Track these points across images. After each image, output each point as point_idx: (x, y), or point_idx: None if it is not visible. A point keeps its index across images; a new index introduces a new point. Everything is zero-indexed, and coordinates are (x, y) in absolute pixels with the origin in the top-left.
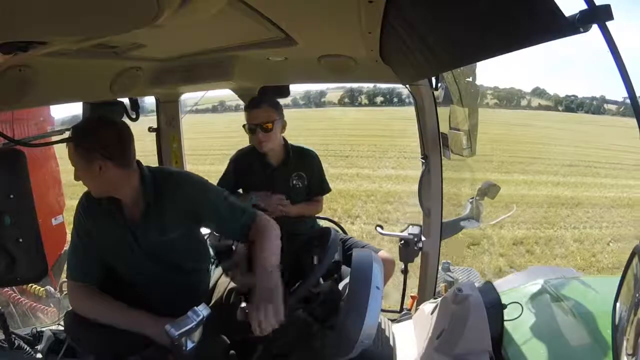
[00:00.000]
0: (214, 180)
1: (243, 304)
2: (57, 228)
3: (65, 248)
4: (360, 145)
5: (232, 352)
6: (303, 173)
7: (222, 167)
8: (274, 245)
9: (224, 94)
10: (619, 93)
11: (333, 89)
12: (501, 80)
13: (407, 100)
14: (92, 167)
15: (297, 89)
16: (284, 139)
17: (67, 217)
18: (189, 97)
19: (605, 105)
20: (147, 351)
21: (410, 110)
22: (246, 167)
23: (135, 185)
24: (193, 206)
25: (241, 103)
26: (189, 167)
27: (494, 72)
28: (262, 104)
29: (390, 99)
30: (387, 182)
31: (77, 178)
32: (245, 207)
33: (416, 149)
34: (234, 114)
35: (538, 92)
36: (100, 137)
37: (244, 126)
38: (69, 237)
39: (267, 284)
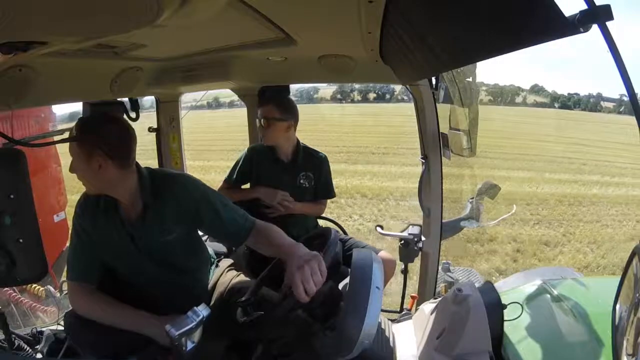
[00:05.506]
0: (212, 176)
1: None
2: (59, 225)
3: (67, 245)
4: (354, 140)
5: (232, 352)
6: (311, 174)
7: (220, 164)
8: (282, 234)
9: (219, 90)
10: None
11: (327, 86)
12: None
13: (399, 97)
14: (91, 164)
15: (292, 86)
16: (297, 139)
17: (70, 213)
18: (187, 95)
19: (602, 103)
20: (147, 351)
21: (403, 107)
22: (259, 159)
23: (132, 187)
24: (194, 206)
25: (236, 99)
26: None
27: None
28: (268, 103)
29: (382, 96)
30: (383, 180)
31: (72, 170)
32: (245, 213)
33: (405, 144)
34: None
35: (536, 89)
36: (104, 135)
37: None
38: None
39: (297, 253)
